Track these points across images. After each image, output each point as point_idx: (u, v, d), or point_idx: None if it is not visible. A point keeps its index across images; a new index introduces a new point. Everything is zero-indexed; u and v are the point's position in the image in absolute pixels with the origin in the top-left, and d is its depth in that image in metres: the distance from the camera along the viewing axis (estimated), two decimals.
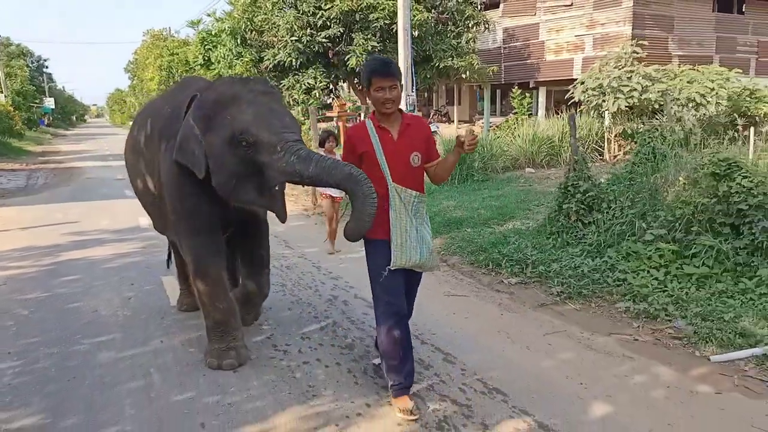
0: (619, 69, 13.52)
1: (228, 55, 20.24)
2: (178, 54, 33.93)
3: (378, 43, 17.65)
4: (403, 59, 11.33)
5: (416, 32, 17.14)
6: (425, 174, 3.40)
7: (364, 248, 3.42)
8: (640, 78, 12.96)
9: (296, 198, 11.53)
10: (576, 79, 14.62)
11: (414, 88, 12.78)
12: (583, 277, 5.34)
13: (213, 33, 23.35)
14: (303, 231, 8.54)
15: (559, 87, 19.67)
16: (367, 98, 3.28)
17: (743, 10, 20.73)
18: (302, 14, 17.47)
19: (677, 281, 4.95)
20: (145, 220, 9.40)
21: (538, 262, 5.82)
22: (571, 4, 19.67)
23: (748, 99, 12.62)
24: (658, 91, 12.64)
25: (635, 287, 4.94)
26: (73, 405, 3.52)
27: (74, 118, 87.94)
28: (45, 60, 68.73)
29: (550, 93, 21.33)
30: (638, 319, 4.59)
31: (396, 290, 3.28)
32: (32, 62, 63.25)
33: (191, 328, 4.71)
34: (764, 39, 21.01)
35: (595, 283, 5.23)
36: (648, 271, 5.14)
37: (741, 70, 13.76)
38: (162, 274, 6.21)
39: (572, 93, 14.19)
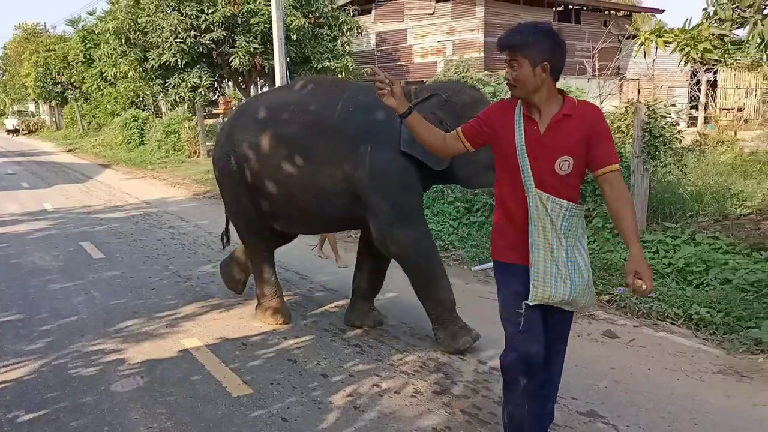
0: (458, 74, 15.92)
1: (112, 54, 20.86)
2: (55, 50, 33.48)
3: (259, 45, 19.10)
4: (279, 63, 13.06)
5: (294, 36, 18.78)
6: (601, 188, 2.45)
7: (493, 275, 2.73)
8: (474, 82, 15.41)
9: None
10: None
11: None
12: None
13: (95, 32, 23.70)
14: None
15: None
16: None
17: (580, 20, 24.09)
18: (186, 17, 18.48)
19: (465, 227, 7.12)
20: (50, 205, 10.68)
21: None
22: (433, 13, 22.11)
23: None
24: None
25: (436, 231, 7.04)
26: (42, 307, 5.07)
27: None
28: None
29: None
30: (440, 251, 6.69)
31: (535, 334, 2.53)
32: None
33: (115, 270, 6.29)
34: (599, 45, 24.49)
35: None
36: (448, 222, 7.28)
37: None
38: (78, 239, 7.71)
39: None
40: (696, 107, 17.17)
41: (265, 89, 13.88)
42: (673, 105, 8.35)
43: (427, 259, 4.03)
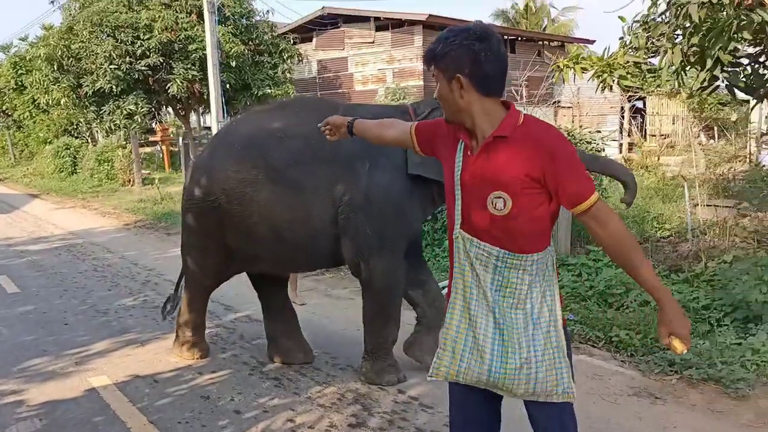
0: (396, 101, 16.13)
1: (44, 81, 20.28)
2: None
3: (198, 71, 18.88)
4: (213, 89, 12.93)
5: (234, 63, 18.65)
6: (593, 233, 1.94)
7: None
8: None
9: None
10: None
11: (225, 114, 14.32)
12: None
13: (27, 58, 23.03)
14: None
15: None
16: None
17: (515, 50, 24.77)
18: (121, 43, 18.15)
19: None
20: None
21: None
22: (373, 42, 22.36)
23: None
24: None
25: None
26: None
27: None
28: None
29: None
30: None
31: (471, 423, 2.07)
32: None
33: (29, 304, 5.98)
34: (530, 74, 25.21)
35: None
36: None
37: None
38: None
39: None
40: (629, 134, 17.82)
41: (207, 116, 13.66)
42: (598, 131, 8.61)
43: (392, 293, 3.85)
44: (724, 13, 4.80)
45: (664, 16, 5.70)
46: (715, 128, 12.81)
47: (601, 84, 5.95)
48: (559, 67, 6.13)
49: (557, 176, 1.85)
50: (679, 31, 5.59)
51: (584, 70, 6.02)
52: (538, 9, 33.22)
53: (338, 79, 23.72)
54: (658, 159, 8.90)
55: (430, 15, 20.37)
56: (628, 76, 5.87)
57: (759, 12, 4.58)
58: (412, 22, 21.18)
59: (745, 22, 4.65)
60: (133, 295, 6.34)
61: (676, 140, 16.66)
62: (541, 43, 26.52)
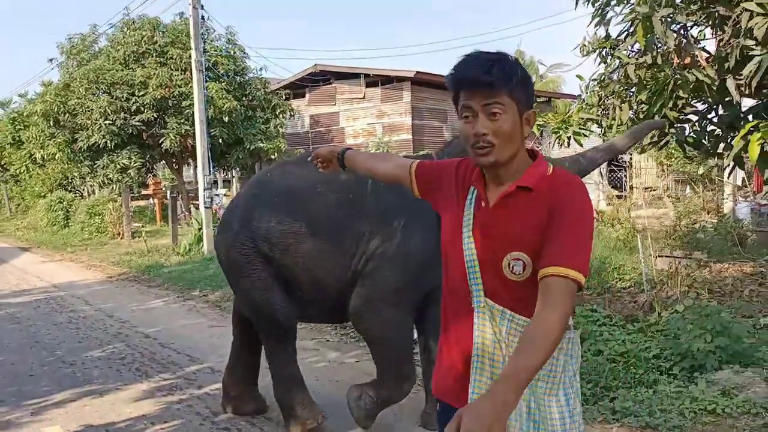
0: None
1: (40, 136, 20.71)
2: None
3: (191, 126, 19.31)
4: (200, 144, 13.23)
5: (227, 118, 19.10)
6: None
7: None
8: None
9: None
10: None
11: (212, 169, 14.59)
12: None
13: (24, 114, 23.54)
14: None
15: None
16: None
17: None
18: (116, 99, 18.63)
19: None
20: None
21: None
22: (364, 97, 22.91)
23: None
24: None
25: None
26: None
27: None
28: None
29: None
30: None
31: None
32: None
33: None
34: None
35: None
36: None
37: None
38: None
39: None
40: (616, 187, 18.09)
41: (198, 171, 13.91)
42: None
43: (395, 345, 3.79)
44: (663, 73, 5.05)
45: (615, 75, 5.97)
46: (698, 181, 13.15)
47: (557, 140, 6.17)
48: None
49: (554, 227, 1.56)
50: (631, 89, 5.86)
51: (540, 126, 6.25)
52: (526, 65, 34.04)
53: (330, 133, 24.20)
54: (629, 211, 9.13)
55: (418, 72, 20.93)
56: (582, 132, 6.09)
57: (694, 72, 4.83)
58: (401, 79, 21.76)
59: (681, 81, 4.89)
60: (102, 347, 6.40)
61: (660, 193, 16.94)
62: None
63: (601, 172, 17.15)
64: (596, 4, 5.88)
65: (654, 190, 15.34)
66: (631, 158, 18.95)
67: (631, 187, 16.82)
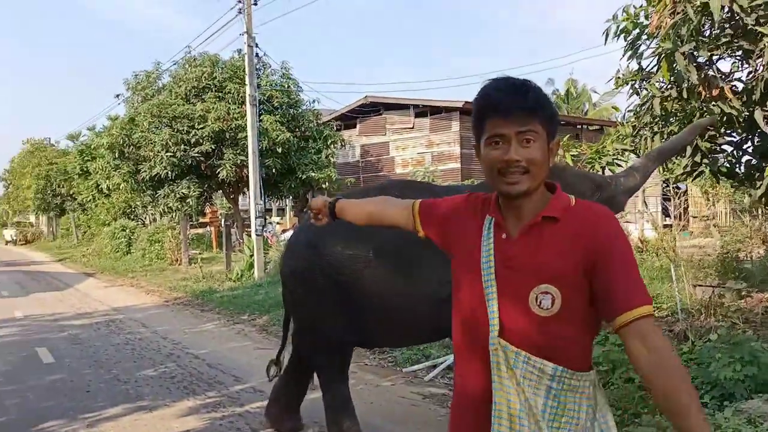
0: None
1: (106, 167, 21.81)
2: (56, 164, 34.88)
3: (246, 157, 20.04)
4: (252, 173, 13.81)
5: (280, 149, 19.74)
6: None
7: None
8: None
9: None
10: None
11: (263, 198, 15.12)
12: None
13: (92, 146, 24.83)
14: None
15: None
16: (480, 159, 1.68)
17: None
18: (177, 132, 19.50)
19: None
20: (21, 312, 10.96)
21: None
22: (413, 127, 23.30)
23: None
24: None
25: None
26: None
27: None
28: None
29: None
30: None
31: None
32: None
33: (59, 374, 6.49)
34: None
35: None
36: None
37: None
38: (36, 345, 7.95)
39: None
40: (669, 215, 17.76)
41: (250, 200, 14.53)
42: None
43: None
44: (690, 105, 5.15)
45: (646, 107, 6.08)
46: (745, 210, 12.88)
47: (591, 169, 6.29)
48: None
49: (610, 267, 1.49)
50: (663, 121, 5.95)
51: (574, 156, 6.39)
52: (579, 94, 33.94)
53: (380, 163, 24.63)
54: (673, 240, 9.01)
55: (467, 102, 21.18)
56: (615, 162, 6.19)
57: (720, 104, 4.91)
58: (450, 109, 22.08)
59: (708, 114, 4.98)
60: (154, 366, 6.79)
61: (720, 221, 16.54)
62: (579, 127, 26.96)
63: (645, 201, 16.91)
64: (628, 38, 6.03)
65: (705, 219, 15.02)
66: (677, 187, 18.60)
67: (678, 216, 16.53)
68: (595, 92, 34.49)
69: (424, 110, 22.94)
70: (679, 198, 18.31)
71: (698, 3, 4.50)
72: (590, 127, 27.69)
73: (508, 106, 1.55)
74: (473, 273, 1.63)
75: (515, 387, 1.53)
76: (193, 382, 6.13)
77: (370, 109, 24.11)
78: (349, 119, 24.92)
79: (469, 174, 21.20)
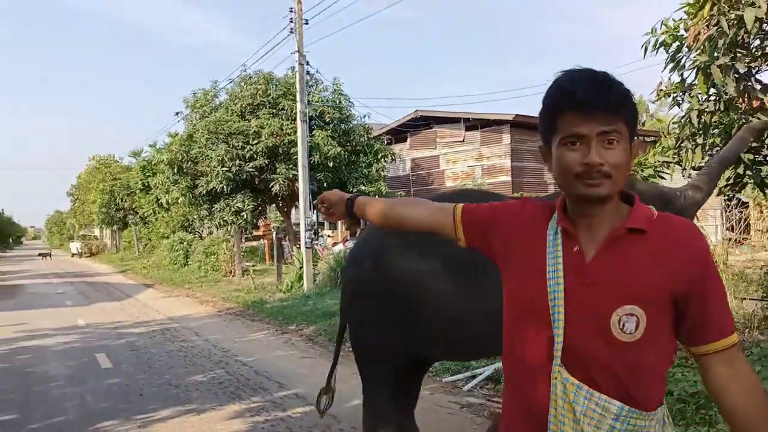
0: None
1: (166, 182, 22.66)
2: (120, 179, 36.40)
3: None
4: (302, 187, 14.15)
5: (331, 163, 20.12)
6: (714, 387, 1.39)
7: None
8: None
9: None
10: None
11: (313, 210, 15.44)
12: None
13: (152, 162, 25.81)
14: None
15: None
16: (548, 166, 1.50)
17: None
18: (232, 148, 20.13)
19: None
20: (83, 321, 11.53)
21: None
22: (463, 140, 23.37)
23: None
24: None
25: None
26: (37, 410, 5.62)
27: (10, 241, 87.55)
28: None
29: None
30: None
31: None
32: None
33: (116, 378, 6.86)
34: None
35: None
36: None
37: None
38: (96, 351, 8.38)
39: None
40: (730, 229, 17.29)
41: (300, 213, 14.94)
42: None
43: None
44: (729, 117, 5.11)
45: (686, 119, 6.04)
46: None
47: None
48: None
49: (706, 300, 1.34)
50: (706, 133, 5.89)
51: None
52: (636, 104, 33.25)
53: (430, 176, 24.76)
54: (726, 254, 8.81)
55: (517, 115, 21.14)
56: (658, 174, 6.15)
57: (760, 116, 4.86)
58: (500, 122, 22.05)
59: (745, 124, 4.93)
60: (204, 372, 7.07)
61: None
62: (636, 138, 26.44)
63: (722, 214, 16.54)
64: (669, 51, 6.02)
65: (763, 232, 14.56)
66: (737, 199, 18.07)
67: (731, 228, 16.05)
68: (653, 102, 33.75)
69: (474, 123, 23.00)
70: (734, 210, 17.83)
71: (733, 16, 4.49)
72: (647, 138, 27.11)
73: (590, 103, 1.34)
74: (532, 287, 1.43)
75: (572, 424, 1.34)
76: (240, 387, 6.37)
77: (421, 122, 24.32)
78: (399, 133, 25.19)
79: (520, 187, 21.11)
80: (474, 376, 6.28)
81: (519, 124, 21.81)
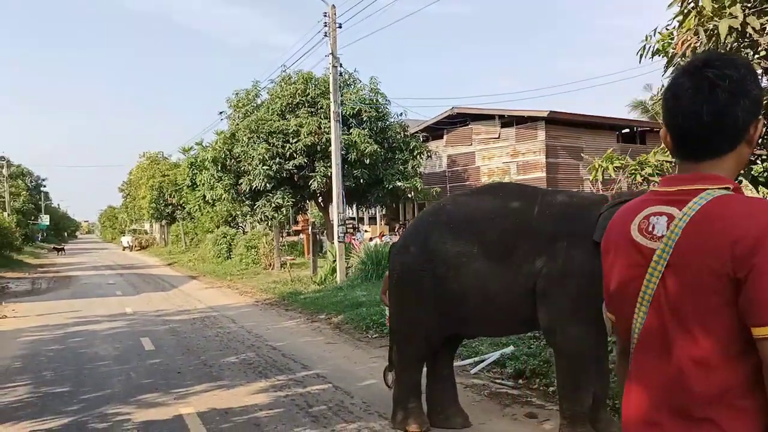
0: None
1: (210, 179, 23.56)
2: (168, 176, 37.78)
3: None
4: (336, 184, 14.76)
5: (368, 161, 20.66)
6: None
7: None
8: None
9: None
10: None
11: (345, 206, 16.04)
12: None
13: (199, 160, 26.79)
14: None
15: None
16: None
17: (645, 141, 24.77)
18: (273, 146, 20.84)
19: None
20: (131, 309, 12.40)
21: None
22: (499, 137, 23.62)
23: None
24: None
25: None
26: (87, 383, 6.34)
27: (65, 234, 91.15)
28: (43, 180, 72.88)
29: None
30: None
31: None
32: (31, 182, 66.94)
33: (158, 358, 7.56)
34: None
35: None
36: None
37: None
38: (141, 335, 9.16)
39: None
40: None
41: (333, 209, 15.58)
42: None
43: (584, 360, 4.10)
44: None
45: None
46: None
47: (632, 180, 6.60)
48: (594, 166, 6.88)
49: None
50: None
51: (617, 168, 6.72)
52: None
53: (466, 172, 25.10)
54: None
55: (552, 111, 21.30)
56: (657, 173, 6.48)
57: None
58: (535, 119, 22.24)
59: None
60: (236, 355, 7.73)
61: None
62: None
63: None
64: (665, 57, 6.34)
65: None
66: None
67: None
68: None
69: (509, 120, 23.23)
70: None
71: (711, 26, 4.82)
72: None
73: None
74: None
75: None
76: (267, 368, 6.98)
77: (457, 120, 24.66)
78: (435, 130, 25.59)
79: (555, 183, 21.26)
80: (482, 361, 6.75)
81: (554, 121, 21.97)
